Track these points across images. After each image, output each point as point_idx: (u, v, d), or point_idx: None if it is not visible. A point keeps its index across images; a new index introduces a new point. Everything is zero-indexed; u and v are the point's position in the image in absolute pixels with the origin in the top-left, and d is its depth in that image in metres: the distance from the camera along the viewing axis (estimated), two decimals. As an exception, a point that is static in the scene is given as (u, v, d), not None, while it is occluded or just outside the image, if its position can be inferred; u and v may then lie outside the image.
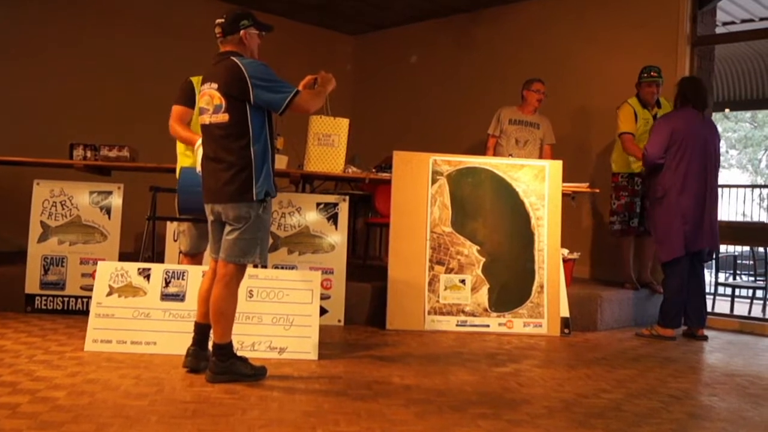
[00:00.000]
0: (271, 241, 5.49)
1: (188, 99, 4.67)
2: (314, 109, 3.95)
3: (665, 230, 5.67)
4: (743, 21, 9.04)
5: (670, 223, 5.63)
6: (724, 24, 8.93)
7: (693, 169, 5.62)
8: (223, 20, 3.77)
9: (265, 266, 4.04)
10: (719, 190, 6.09)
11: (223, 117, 3.69)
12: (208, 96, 3.76)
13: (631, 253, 6.58)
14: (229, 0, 7.72)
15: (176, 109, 4.69)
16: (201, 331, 3.95)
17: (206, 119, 3.79)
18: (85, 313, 4.66)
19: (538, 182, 5.85)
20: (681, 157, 5.61)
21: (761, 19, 8.94)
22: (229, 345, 3.78)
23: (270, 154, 3.79)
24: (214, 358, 3.76)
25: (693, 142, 5.63)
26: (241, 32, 3.77)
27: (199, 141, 4.23)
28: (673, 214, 5.61)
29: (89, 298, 4.54)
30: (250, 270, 4.75)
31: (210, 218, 3.89)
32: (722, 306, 7.44)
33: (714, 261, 8.86)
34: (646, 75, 6.33)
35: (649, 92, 6.36)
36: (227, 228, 3.78)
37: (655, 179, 5.77)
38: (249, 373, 3.79)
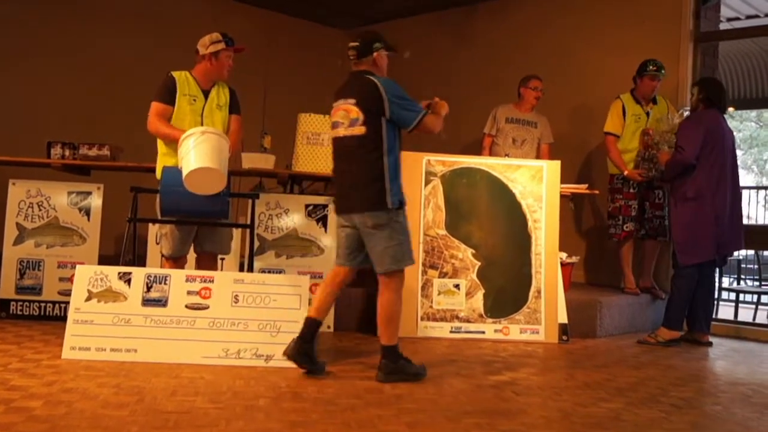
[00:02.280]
0: (257, 244, 5.50)
1: (170, 96, 4.66)
2: (437, 131, 4.39)
3: (694, 233, 5.64)
4: (748, 17, 9.08)
5: (702, 225, 5.60)
6: (729, 20, 8.97)
7: (724, 170, 5.65)
8: (357, 44, 4.25)
9: (412, 263, 4.32)
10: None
11: (360, 129, 4.11)
12: (344, 111, 4.17)
13: (631, 257, 6.59)
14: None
15: (157, 107, 4.68)
16: (309, 324, 4.22)
17: (340, 132, 4.20)
18: (63, 319, 4.64)
19: (535, 183, 5.86)
20: (715, 157, 5.61)
21: (767, 15, 8.98)
22: (396, 346, 4.16)
23: (400, 166, 4.20)
24: (384, 360, 4.13)
25: (722, 143, 5.66)
26: (374, 54, 4.26)
27: (186, 134, 4.25)
28: (707, 215, 5.59)
29: (67, 303, 4.51)
30: (235, 274, 4.77)
31: (344, 227, 4.28)
32: (726, 312, 7.47)
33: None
34: (651, 67, 6.34)
35: (649, 86, 6.39)
36: (370, 238, 4.13)
37: (683, 180, 5.69)
38: (414, 372, 4.19)
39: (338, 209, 4.30)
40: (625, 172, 6.36)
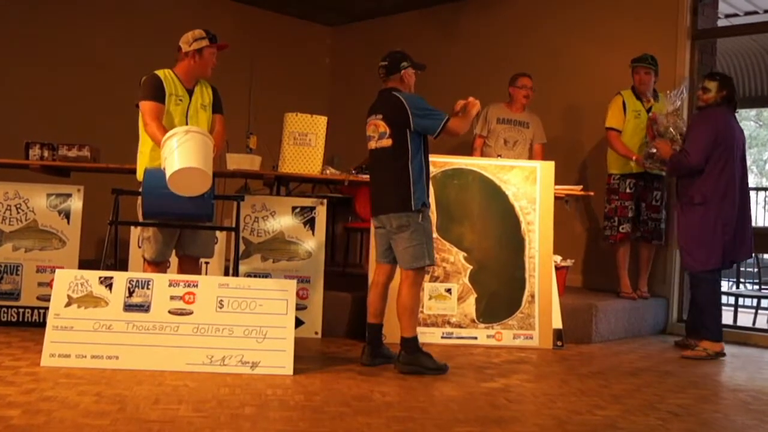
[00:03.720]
0: (243, 247, 5.50)
1: (161, 95, 4.61)
2: (462, 132, 4.86)
3: (701, 239, 5.56)
4: (747, 13, 9.11)
5: (710, 232, 5.52)
6: (727, 16, 9.00)
7: (733, 173, 5.58)
8: (386, 63, 4.81)
9: (433, 264, 4.87)
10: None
11: (387, 142, 4.67)
12: (374, 125, 4.74)
13: (627, 260, 6.62)
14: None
15: (151, 106, 4.59)
16: (371, 330, 4.82)
17: (372, 145, 4.78)
18: (42, 325, 4.62)
19: (528, 184, 5.88)
20: (725, 161, 5.54)
21: (766, 12, 9.02)
22: (415, 339, 4.66)
23: (425, 171, 4.73)
24: (402, 351, 4.64)
25: (732, 144, 5.59)
26: (402, 72, 4.79)
27: (169, 133, 4.25)
28: (714, 222, 5.51)
29: (46, 309, 4.50)
30: (220, 279, 4.79)
31: (377, 228, 4.83)
32: (725, 316, 7.47)
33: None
34: (642, 61, 6.39)
35: (645, 80, 6.43)
36: (394, 238, 4.66)
37: (690, 183, 5.64)
38: (433, 366, 4.60)
39: (372, 212, 4.84)
40: (634, 158, 6.30)
